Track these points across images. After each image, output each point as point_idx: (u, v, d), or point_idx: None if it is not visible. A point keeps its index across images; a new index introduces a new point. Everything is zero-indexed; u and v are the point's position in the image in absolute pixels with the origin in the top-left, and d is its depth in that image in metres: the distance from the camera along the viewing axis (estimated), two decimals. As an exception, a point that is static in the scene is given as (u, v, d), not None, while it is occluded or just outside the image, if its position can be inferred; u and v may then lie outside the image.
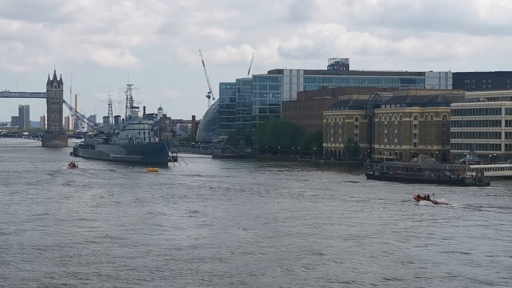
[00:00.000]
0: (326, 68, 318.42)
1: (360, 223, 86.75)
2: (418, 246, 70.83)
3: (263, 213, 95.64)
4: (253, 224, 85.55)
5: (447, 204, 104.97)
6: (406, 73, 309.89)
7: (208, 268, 59.75)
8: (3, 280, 55.39)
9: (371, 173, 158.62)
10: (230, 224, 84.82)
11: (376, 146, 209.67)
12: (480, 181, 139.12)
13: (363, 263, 62.09)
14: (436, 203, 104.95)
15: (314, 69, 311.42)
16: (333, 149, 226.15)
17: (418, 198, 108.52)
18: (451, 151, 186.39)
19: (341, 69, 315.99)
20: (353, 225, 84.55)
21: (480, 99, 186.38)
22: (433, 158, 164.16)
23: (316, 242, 72.03)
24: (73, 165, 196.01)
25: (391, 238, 75.37)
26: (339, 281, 55.75)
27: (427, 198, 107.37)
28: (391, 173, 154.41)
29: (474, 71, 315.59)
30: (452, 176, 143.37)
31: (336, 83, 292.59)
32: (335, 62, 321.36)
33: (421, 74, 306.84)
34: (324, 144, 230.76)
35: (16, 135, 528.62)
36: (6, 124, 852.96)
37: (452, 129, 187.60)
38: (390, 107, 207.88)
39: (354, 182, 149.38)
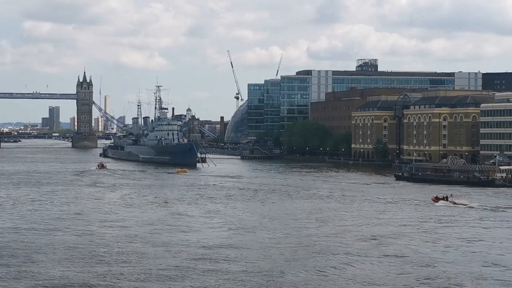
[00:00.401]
0: (354, 69, 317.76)
1: (388, 224, 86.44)
2: (447, 247, 70.48)
3: (292, 214, 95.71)
4: (283, 224, 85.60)
5: (465, 205, 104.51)
6: (436, 73, 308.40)
7: (237, 268, 59.91)
8: (33, 279, 56.02)
9: (400, 174, 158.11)
10: (259, 225, 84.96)
11: (405, 147, 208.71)
12: (510, 182, 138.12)
13: (395, 265, 61.93)
14: (454, 203, 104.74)
15: (342, 70, 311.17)
16: (361, 150, 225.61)
17: (436, 199, 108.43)
18: (481, 152, 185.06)
19: (370, 69, 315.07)
20: (381, 226, 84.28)
21: (510, 99, 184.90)
22: (462, 159, 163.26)
23: (346, 243, 71.89)
24: (102, 166, 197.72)
25: (420, 239, 75.16)
26: (369, 283, 55.68)
27: (445, 199, 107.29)
28: (420, 174, 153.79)
29: (504, 71, 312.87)
30: (481, 177, 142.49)
31: (365, 84, 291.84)
32: (363, 63, 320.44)
33: (451, 74, 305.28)
34: (352, 145, 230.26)
35: (46, 136, 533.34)
36: (37, 125, 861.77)
37: (482, 130, 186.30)
38: (419, 108, 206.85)
39: (383, 183, 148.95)
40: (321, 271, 59.04)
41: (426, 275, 57.87)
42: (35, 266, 60.42)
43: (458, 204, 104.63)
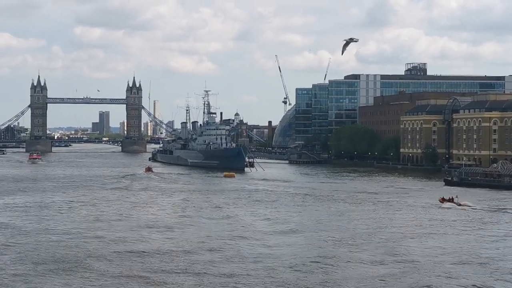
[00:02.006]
0: (403, 73, 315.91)
1: (436, 226, 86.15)
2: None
3: (344, 218, 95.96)
4: (335, 230, 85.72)
5: (470, 206, 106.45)
6: (485, 77, 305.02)
7: (288, 271, 60.44)
8: (87, 279, 57.11)
9: (450, 179, 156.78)
10: (309, 231, 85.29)
11: (454, 151, 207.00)
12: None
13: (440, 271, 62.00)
14: (459, 205, 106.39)
15: (391, 74, 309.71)
16: (410, 154, 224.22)
17: (443, 200, 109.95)
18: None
19: (419, 73, 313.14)
20: (428, 228, 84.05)
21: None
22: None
23: (396, 247, 71.98)
24: (149, 170, 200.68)
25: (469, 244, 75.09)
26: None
27: (451, 200, 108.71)
28: (470, 179, 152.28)
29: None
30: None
31: (414, 88, 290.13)
32: (412, 67, 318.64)
33: (501, 78, 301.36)
34: (401, 150, 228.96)
35: (96, 140, 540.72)
36: (87, 130, 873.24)
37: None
38: (469, 112, 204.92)
39: (432, 188, 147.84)
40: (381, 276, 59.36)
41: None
42: (88, 267, 61.52)
43: (463, 205, 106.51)
